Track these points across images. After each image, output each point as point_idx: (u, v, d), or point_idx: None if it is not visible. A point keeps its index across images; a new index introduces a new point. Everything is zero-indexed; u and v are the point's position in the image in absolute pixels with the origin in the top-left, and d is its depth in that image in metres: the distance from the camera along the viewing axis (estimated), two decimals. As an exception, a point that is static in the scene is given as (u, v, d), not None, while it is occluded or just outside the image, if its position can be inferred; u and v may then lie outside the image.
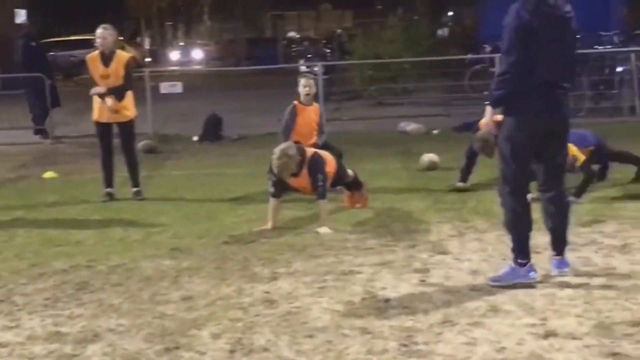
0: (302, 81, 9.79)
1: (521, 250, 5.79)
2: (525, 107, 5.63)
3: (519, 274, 5.75)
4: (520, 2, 5.59)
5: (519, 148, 5.69)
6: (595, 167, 9.22)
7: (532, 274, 5.77)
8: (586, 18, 25.72)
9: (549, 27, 5.56)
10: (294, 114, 9.62)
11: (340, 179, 8.43)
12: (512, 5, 5.60)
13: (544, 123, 5.68)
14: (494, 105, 5.79)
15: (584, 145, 8.96)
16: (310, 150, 8.10)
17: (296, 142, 8.42)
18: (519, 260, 5.77)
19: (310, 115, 9.69)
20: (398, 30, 24.04)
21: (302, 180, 7.90)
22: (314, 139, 9.60)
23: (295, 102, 9.69)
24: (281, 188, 7.98)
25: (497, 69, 5.77)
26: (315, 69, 18.67)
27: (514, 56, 5.53)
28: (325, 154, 8.32)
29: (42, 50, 18.21)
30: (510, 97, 5.63)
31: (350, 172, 8.63)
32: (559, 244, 5.96)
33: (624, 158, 9.55)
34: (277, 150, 7.79)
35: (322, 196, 7.89)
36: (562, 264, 5.96)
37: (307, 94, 9.67)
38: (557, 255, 5.97)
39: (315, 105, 9.93)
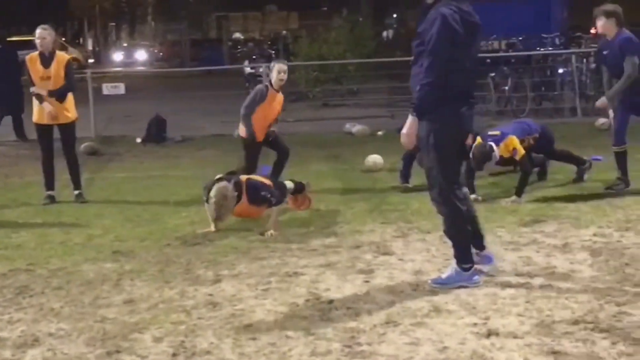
0: (277, 66, 9.57)
1: (464, 255, 5.82)
2: (452, 115, 5.59)
3: (463, 278, 5.78)
4: (444, 11, 5.49)
5: (450, 156, 5.69)
6: (535, 169, 9.39)
7: (475, 277, 5.81)
8: (528, 21, 26.20)
9: (469, 36, 5.56)
10: (264, 95, 9.43)
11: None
12: (434, 14, 5.50)
13: (466, 130, 5.75)
14: (422, 115, 5.58)
15: (527, 133, 9.09)
16: (243, 178, 7.95)
17: (230, 173, 8.15)
18: (463, 265, 5.81)
19: (276, 102, 9.60)
20: (342, 31, 24.15)
21: (243, 207, 7.78)
22: (270, 127, 9.59)
23: (267, 84, 9.61)
24: None
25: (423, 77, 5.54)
26: (260, 70, 18.63)
27: (441, 65, 5.44)
28: (258, 177, 8.26)
29: (12, 54, 17.67)
30: (437, 105, 5.54)
31: (288, 183, 8.54)
32: (476, 240, 6.01)
33: (566, 157, 9.68)
34: (213, 195, 7.56)
35: (276, 203, 7.84)
36: (486, 258, 6.02)
37: (282, 80, 9.53)
38: (480, 251, 6.02)
39: (281, 94, 9.79)
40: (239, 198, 7.68)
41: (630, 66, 8.64)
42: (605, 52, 8.93)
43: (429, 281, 5.88)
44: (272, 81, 9.54)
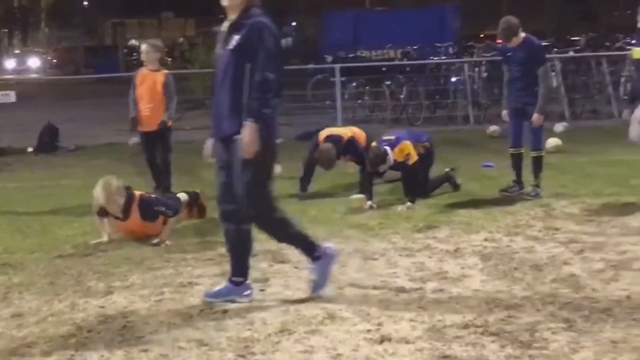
0: (141, 47, 9.88)
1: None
2: (272, 127, 5.51)
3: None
4: (265, 20, 5.47)
5: (270, 169, 5.59)
6: None
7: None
8: (423, 30, 26.69)
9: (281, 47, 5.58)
10: (133, 78, 9.77)
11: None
12: (252, 24, 5.41)
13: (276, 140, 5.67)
14: (261, 120, 5.36)
15: (418, 140, 9.25)
16: (137, 193, 7.83)
17: (127, 188, 7.91)
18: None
19: (152, 80, 9.61)
20: (240, 39, 24.07)
21: (133, 223, 7.68)
22: (159, 106, 9.58)
23: (142, 68, 9.76)
24: (105, 213, 7.77)
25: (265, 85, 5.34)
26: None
27: (275, 75, 5.38)
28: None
29: None
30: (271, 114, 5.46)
31: (182, 195, 8.45)
32: (245, 266, 5.87)
33: (436, 183, 9.66)
34: (97, 187, 7.55)
35: (173, 214, 7.74)
36: (246, 287, 5.83)
37: (145, 59, 9.69)
38: (244, 279, 5.84)
39: (163, 71, 9.79)
40: (127, 213, 7.58)
41: (546, 75, 9.16)
42: (509, 54, 9.17)
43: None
44: None
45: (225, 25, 5.61)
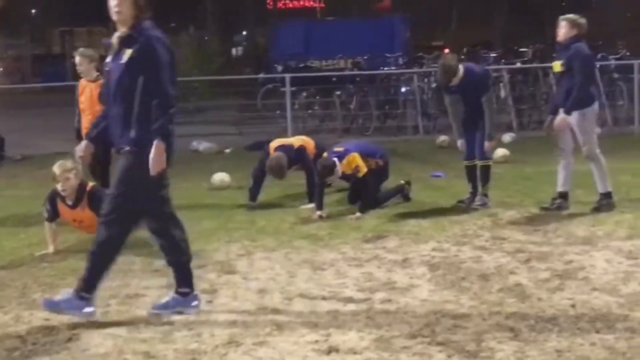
0: (75, 59, 9.61)
1: (91, 283, 5.60)
2: (172, 142, 5.48)
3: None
4: (157, 34, 5.45)
5: (162, 185, 5.58)
6: None
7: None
8: (373, 41, 26.84)
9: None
10: (76, 92, 9.50)
11: None
12: (148, 39, 5.38)
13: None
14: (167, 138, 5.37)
15: (371, 155, 9.28)
16: (90, 184, 7.85)
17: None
18: (83, 295, 5.54)
19: (90, 90, 9.38)
20: (189, 48, 24.02)
21: (81, 213, 7.64)
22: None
23: (82, 79, 9.54)
24: (56, 212, 7.74)
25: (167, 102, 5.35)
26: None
27: (173, 88, 5.39)
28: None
29: None
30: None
31: None
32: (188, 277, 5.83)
33: (390, 195, 9.70)
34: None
35: None
36: (193, 298, 5.78)
37: (79, 71, 9.47)
38: (192, 290, 5.80)
39: (101, 80, 9.61)
40: (78, 200, 7.62)
41: (489, 101, 9.16)
42: (453, 89, 9.20)
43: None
44: None
45: (115, 37, 5.54)
